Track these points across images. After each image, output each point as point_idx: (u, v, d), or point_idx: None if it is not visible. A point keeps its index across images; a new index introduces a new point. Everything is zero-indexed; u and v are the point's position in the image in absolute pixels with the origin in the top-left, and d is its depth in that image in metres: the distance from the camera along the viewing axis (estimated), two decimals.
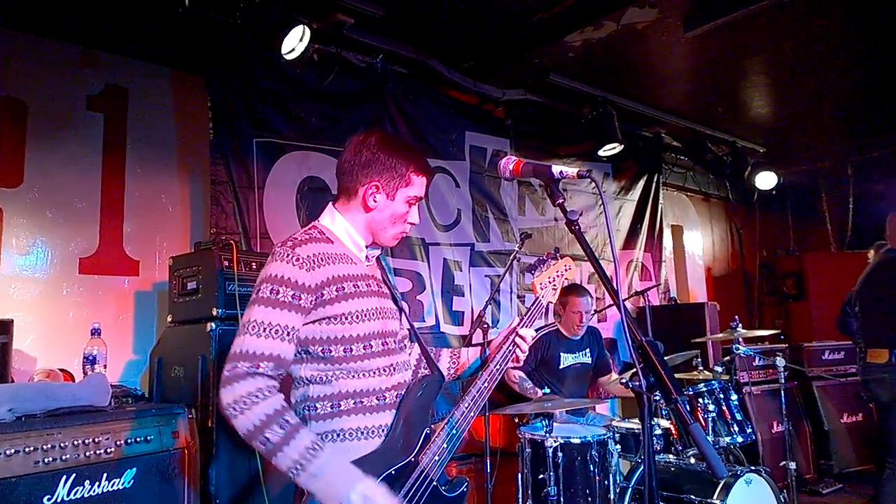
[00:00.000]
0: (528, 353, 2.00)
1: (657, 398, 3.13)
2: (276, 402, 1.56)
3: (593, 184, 5.54)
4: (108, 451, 2.31)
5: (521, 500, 3.27)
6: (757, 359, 4.97)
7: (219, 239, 3.42)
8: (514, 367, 3.75)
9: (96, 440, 2.29)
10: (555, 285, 2.18)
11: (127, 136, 3.73)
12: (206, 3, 3.34)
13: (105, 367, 2.84)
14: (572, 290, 4.23)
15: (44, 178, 3.44)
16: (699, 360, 4.03)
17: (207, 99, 3.77)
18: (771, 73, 5.06)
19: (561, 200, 1.71)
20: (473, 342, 3.82)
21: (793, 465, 4.11)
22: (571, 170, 1.72)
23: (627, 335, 1.53)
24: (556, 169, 1.72)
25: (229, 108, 3.79)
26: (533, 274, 2.20)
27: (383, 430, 1.70)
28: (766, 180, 6.69)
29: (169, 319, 3.21)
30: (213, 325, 2.85)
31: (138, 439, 2.41)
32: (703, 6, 3.85)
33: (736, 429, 3.57)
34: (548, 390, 3.51)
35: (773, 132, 6.32)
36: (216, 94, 3.76)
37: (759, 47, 4.55)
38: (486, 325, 3.23)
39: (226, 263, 2.96)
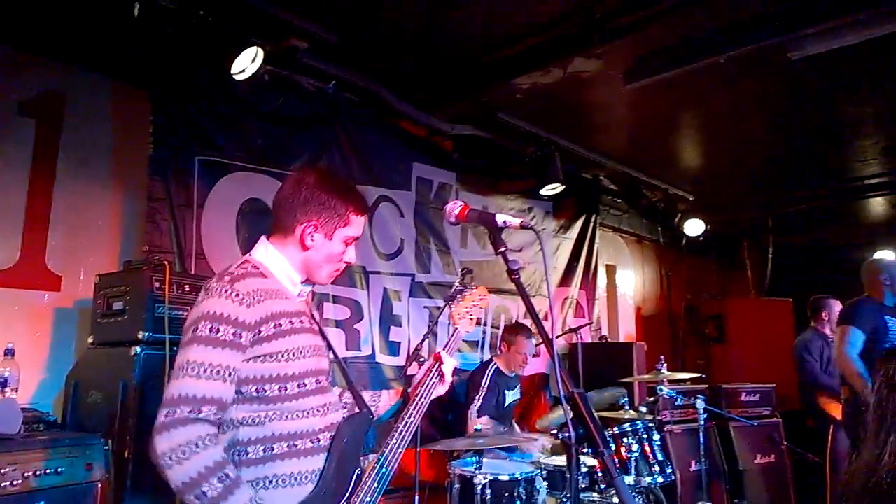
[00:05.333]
0: (485, 397, 2.01)
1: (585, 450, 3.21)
2: (217, 453, 1.49)
3: (535, 222, 5.80)
4: (15, 483, 2.17)
5: None
6: (678, 399, 5.14)
7: (151, 258, 3.28)
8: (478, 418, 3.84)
9: (2, 471, 2.15)
10: (471, 315, 2.24)
11: (60, 145, 3.54)
12: (157, 16, 3.24)
13: (16, 390, 2.67)
14: (521, 331, 4.29)
15: None
16: (626, 398, 4.15)
17: (149, 112, 3.64)
18: (701, 128, 5.38)
19: (503, 249, 1.75)
20: (409, 375, 3.81)
21: None
22: (515, 220, 1.77)
23: (560, 386, 1.57)
24: (500, 218, 1.77)
25: (172, 124, 3.68)
26: (450, 305, 2.24)
27: (316, 475, 1.67)
28: (693, 227, 7.05)
29: (90, 340, 3.06)
30: (137, 349, 2.73)
31: (48, 471, 2.27)
32: (644, 62, 4.05)
33: (657, 469, 3.71)
34: (480, 427, 3.53)
35: (701, 182, 6.64)
36: (159, 108, 3.65)
37: (691, 103, 4.83)
38: (421, 359, 3.22)
39: (157, 285, 2.85)
